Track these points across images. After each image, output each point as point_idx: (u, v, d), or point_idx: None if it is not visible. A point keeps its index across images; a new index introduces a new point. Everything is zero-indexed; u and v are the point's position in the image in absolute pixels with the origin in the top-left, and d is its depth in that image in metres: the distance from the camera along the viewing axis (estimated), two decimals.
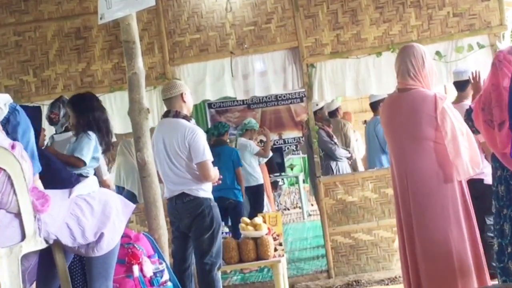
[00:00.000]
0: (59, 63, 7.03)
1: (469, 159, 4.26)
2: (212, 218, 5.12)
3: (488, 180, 5.31)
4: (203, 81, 7.02)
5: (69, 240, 3.27)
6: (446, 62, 6.75)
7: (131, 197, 7.63)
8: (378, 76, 6.83)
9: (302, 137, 12.52)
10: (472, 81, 5.52)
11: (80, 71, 7.03)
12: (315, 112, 7.29)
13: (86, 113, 5.08)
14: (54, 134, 5.73)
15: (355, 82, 6.92)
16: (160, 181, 5.22)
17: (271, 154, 9.32)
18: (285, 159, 12.52)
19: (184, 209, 5.13)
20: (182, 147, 5.08)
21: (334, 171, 8.05)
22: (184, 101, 5.21)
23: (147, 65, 6.67)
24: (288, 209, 13.44)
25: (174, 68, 7.00)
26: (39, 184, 3.29)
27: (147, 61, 6.75)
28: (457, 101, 5.83)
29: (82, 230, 3.29)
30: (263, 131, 9.68)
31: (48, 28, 7.04)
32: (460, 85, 5.83)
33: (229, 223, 7.71)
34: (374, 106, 7.97)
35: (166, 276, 4.07)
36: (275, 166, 11.68)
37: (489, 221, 5.34)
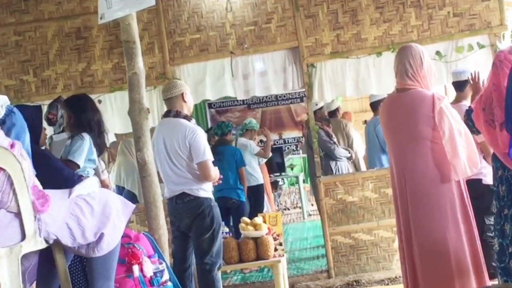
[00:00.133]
0: (59, 63, 7.03)
1: (467, 159, 4.26)
2: (212, 218, 5.12)
3: (487, 180, 5.32)
4: (203, 81, 7.02)
5: (69, 240, 3.27)
6: (446, 62, 6.75)
7: (131, 197, 7.63)
8: (378, 76, 6.83)
9: (302, 137, 12.52)
10: (471, 81, 5.52)
11: (80, 71, 7.04)
12: (314, 112, 7.29)
13: (78, 114, 5.08)
14: (53, 134, 5.73)
15: (355, 82, 6.92)
16: (161, 181, 5.23)
17: (270, 154, 9.32)
18: (285, 159, 12.52)
19: (184, 209, 5.13)
20: (182, 147, 5.08)
21: (334, 171, 8.05)
22: (185, 101, 5.21)
23: (147, 65, 6.67)
24: (288, 209, 13.44)
25: (174, 68, 7.00)
26: (38, 184, 3.29)
27: (147, 61, 6.74)
28: (456, 101, 5.82)
29: (82, 230, 3.29)
30: (263, 131, 9.68)
31: (48, 28, 7.04)
32: (459, 85, 5.83)
33: (231, 223, 7.71)
34: (374, 106, 7.97)
35: (166, 276, 4.07)
36: (275, 166, 11.68)
37: (489, 221, 5.34)
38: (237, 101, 13.21)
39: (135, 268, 3.89)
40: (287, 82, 7.04)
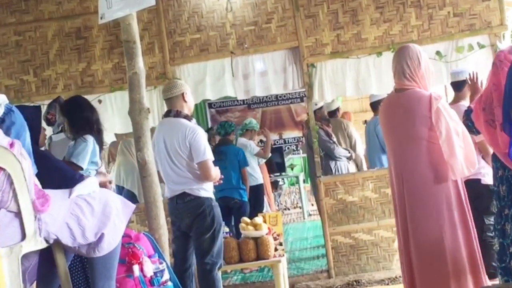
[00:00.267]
0: (60, 63, 7.03)
1: (464, 158, 4.26)
2: (213, 217, 5.11)
3: (486, 180, 5.32)
4: (204, 80, 7.03)
5: (69, 240, 3.27)
6: (446, 62, 6.75)
7: (131, 196, 7.63)
8: (379, 76, 6.83)
9: (302, 137, 12.53)
10: (469, 82, 5.52)
11: (80, 71, 7.04)
12: (314, 112, 7.29)
13: (76, 115, 5.06)
14: (52, 134, 5.73)
15: (355, 82, 6.93)
16: (161, 180, 5.23)
17: (270, 154, 9.31)
18: (286, 159, 12.52)
19: (185, 208, 5.13)
20: (183, 146, 5.08)
21: (333, 171, 8.05)
22: (185, 101, 5.21)
23: (147, 65, 6.67)
24: (289, 209, 13.44)
25: (174, 68, 7.00)
26: (38, 183, 3.28)
27: (147, 61, 6.75)
28: (455, 101, 5.83)
29: (82, 230, 3.29)
30: (263, 131, 9.68)
31: (48, 28, 7.04)
32: (457, 86, 5.83)
33: (233, 223, 7.71)
34: (375, 106, 7.97)
35: (166, 275, 4.07)
36: (275, 166, 11.69)
37: (488, 221, 5.34)
38: (237, 101, 13.21)
39: (136, 268, 3.90)
40: (287, 82, 7.04)
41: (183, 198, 5.13)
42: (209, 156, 5.10)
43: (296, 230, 10.95)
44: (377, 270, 6.80)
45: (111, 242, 3.40)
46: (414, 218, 4.31)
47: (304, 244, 9.46)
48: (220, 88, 7.08)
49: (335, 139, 8.27)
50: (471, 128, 4.75)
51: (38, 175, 3.28)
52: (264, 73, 7.07)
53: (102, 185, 4.45)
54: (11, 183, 2.98)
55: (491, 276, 5.32)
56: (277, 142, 14.08)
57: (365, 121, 9.97)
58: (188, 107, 5.24)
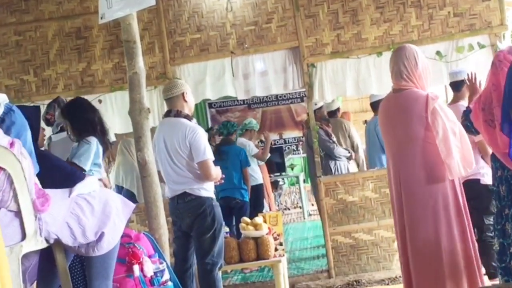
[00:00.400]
0: (60, 62, 7.03)
1: (461, 158, 4.27)
2: (213, 217, 5.11)
3: (485, 180, 5.32)
4: (204, 80, 7.02)
5: (70, 239, 3.27)
6: (446, 62, 6.75)
7: (130, 196, 7.63)
8: (379, 76, 6.82)
9: (302, 137, 12.52)
10: (468, 82, 5.53)
11: (80, 70, 7.04)
12: (314, 112, 7.28)
13: (78, 118, 5.04)
14: (51, 134, 5.73)
15: (355, 82, 6.92)
16: (161, 180, 5.23)
17: (269, 155, 9.28)
18: (286, 159, 12.51)
19: (185, 208, 5.12)
20: (183, 146, 5.07)
21: (333, 170, 8.05)
22: (186, 101, 5.20)
23: (147, 64, 6.67)
24: (289, 209, 13.44)
25: (174, 68, 7.00)
26: (38, 182, 3.28)
27: (147, 60, 6.75)
28: (454, 101, 5.83)
29: (83, 230, 3.29)
30: (264, 133, 9.63)
31: (48, 27, 7.04)
32: (456, 86, 5.83)
33: (233, 223, 7.70)
34: (375, 106, 7.96)
35: (166, 275, 4.07)
36: (275, 166, 11.68)
37: (488, 221, 5.34)
38: (238, 101, 13.20)
39: (136, 267, 3.90)
40: (287, 82, 7.04)
41: (184, 198, 5.13)
42: (209, 156, 5.10)
43: (296, 230, 10.95)
44: (377, 270, 6.80)
45: (111, 241, 3.40)
46: (411, 218, 4.32)
47: (304, 244, 9.46)
48: (220, 88, 7.08)
49: (335, 139, 8.27)
50: (470, 128, 4.75)
51: (38, 175, 3.28)
52: (264, 73, 7.07)
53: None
54: (11, 182, 2.99)
55: (491, 276, 5.33)
56: (277, 142, 14.08)
57: (365, 121, 9.97)
58: (189, 107, 5.24)
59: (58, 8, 7.04)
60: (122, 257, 3.83)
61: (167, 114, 5.25)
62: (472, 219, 5.53)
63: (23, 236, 3.07)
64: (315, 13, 6.88)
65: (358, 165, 8.56)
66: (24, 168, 3.04)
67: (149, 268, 3.97)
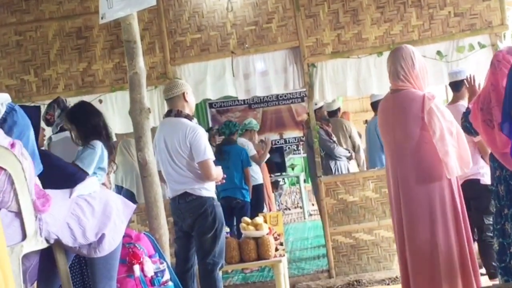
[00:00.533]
0: (60, 62, 7.03)
1: (458, 158, 4.27)
2: (214, 217, 5.10)
3: (485, 180, 5.33)
4: (204, 80, 7.02)
5: (70, 240, 3.27)
6: (447, 62, 6.75)
7: (130, 196, 7.63)
8: (379, 76, 6.82)
9: (303, 137, 12.52)
10: (467, 84, 5.54)
11: (81, 70, 7.04)
12: (314, 112, 7.28)
13: (83, 122, 5.03)
14: (52, 134, 5.72)
15: (356, 82, 6.92)
16: (162, 180, 5.23)
17: (268, 156, 9.23)
18: (286, 159, 12.51)
19: (186, 208, 5.12)
20: (183, 146, 5.07)
21: (333, 170, 8.05)
22: (186, 101, 5.20)
23: (148, 64, 6.68)
24: (289, 209, 13.44)
25: (175, 68, 7.00)
26: (39, 183, 3.28)
27: (148, 60, 6.75)
28: (453, 101, 5.83)
29: (83, 230, 3.29)
30: (264, 140, 9.47)
31: (49, 27, 7.04)
32: (456, 86, 5.83)
33: (234, 223, 7.70)
34: (375, 105, 7.95)
35: (167, 275, 4.07)
36: (276, 166, 11.68)
37: (488, 221, 5.34)
38: (238, 100, 13.20)
39: (136, 268, 3.90)
40: (288, 82, 7.04)
41: (185, 198, 5.12)
42: (210, 156, 5.10)
43: (297, 230, 10.95)
44: (377, 270, 6.80)
45: (112, 242, 3.40)
46: (409, 218, 4.34)
47: (305, 244, 9.47)
48: (220, 88, 7.08)
49: (335, 139, 8.27)
50: (469, 129, 4.75)
51: (39, 174, 3.28)
52: (265, 73, 7.07)
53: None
54: (12, 183, 2.99)
55: (492, 276, 5.33)
56: (278, 142, 14.08)
57: (366, 121, 9.97)
58: (189, 107, 5.24)
59: (59, 8, 7.04)
60: (123, 257, 3.83)
61: (168, 114, 5.25)
62: (472, 219, 5.56)
63: (24, 237, 3.07)
64: (316, 13, 6.88)
65: (358, 165, 8.56)
66: (25, 168, 3.04)
67: (150, 268, 3.97)
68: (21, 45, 7.05)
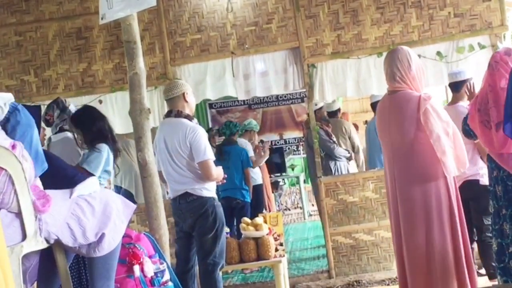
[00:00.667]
0: (60, 63, 7.03)
1: (455, 158, 4.28)
2: (215, 217, 5.10)
3: (484, 180, 5.34)
4: (204, 81, 7.02)
5: (70, 240, 3.27)
6: (447, 62, 6.75)
7: (129, 196, 7.61)
8: (379, 76, 6.80)
9: (303, 137, 12.52)
10: (467, 92, 5.57)
11: (81, 71, 7.04)
12: (314, 112, 7.28)
13: (89, 126, 5.04)
14: (51, 135, 5.73)
15: (356, 82, 6.93)
16: (163, 180, 5.23)
17: (266, 157, 9.20)
18: (286, 159, 12.51)
19: (187, 208, 5.12)
20: (183, 146, 5.07)
21: (333, 171, 8.05)
22: (186, 101, 5.20)
23: (148, 65, 6.68)
24: (289, 209, 13.44)
25: (175, 68, 7.00)
26: (39, 184, 3.29)
27: (148, 61, 6.75)
28: (453, 102, 5.84)
29: (83, 230, 3.29)
30: (264, 145, 9.41)
31: (49, 28, 7.04)
32: (455, 86, 5.84)
33: (234, 223, 7.70)
34: (375, 106, 7.94)
35: (167, 276, 4.07)
36: (276, 166, 11.67)
37: (487, 221, 5.34)
38: (238, 101, 13.20)
39: (136, 268, 3.90)
40: (288, 83, 7.04)
41: (186, 198, 5.12)
42: (210, 156, 5.10)
43: (297, 231, 10.95)
44: (377, 270, 6.80)
45: (111, 242, 3.40)
46: (405, 218, 4.35)
47: (305, 245, 9.47)
48: (220, 88, 7.08)
49: (335, 139, 8.27)
50: (469, 132, 4.76)
51: (42, 174, 3.28)
52: (265, 74, 7.07)
53: None
54: (13, 184, 2.99)
55: (492, 277, 5.33)
56: (278, 142, 14.08)
57: (366, 121, 9.97)
58: (190, 107, 5.24)
59: (59, 9, 7.05)
60: (123, 257, 3.84)
61: (168, 114, 5.25)
62: (472, 219, 5.56)
63: (24, 237, 3.07)
64: (316, 14, 6.88)
65: (358, 166, 8.56)
66: (25, 169, 3.04)
67: (150, 268, 3.97)
68: (21, 46, 7.06)
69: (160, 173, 5.14)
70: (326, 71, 6.93)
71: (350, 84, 6.92)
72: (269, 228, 5.71)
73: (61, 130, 5.45)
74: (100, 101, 6.97)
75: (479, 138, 4.46)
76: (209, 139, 7.05)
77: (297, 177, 12.76)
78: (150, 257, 4.05)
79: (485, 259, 5.54)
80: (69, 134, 5.37)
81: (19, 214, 3.04)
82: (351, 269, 6.85)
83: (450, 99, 6.40)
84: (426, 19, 6.78)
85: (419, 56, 6.62)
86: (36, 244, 3.15)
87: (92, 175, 4.78)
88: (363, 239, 6.83)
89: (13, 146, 3.03)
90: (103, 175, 4.96)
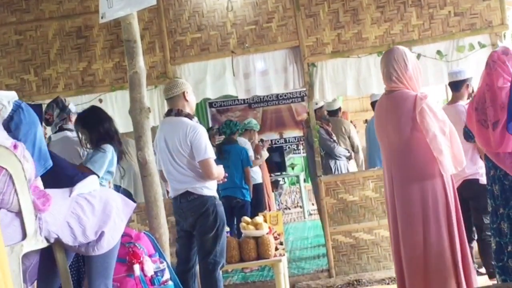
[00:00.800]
0: (60, 62, 7.03)
1: (452, 157, 4.28)
2: (216, 216, 5.10)
3: (484, 180, 5.33)
4: (204, 80, 7.02)
5: (70, 239, 3.27)
6: (447, 61, 6.75)
7: (127, 195, 7.60)
8: (379, 75, 6.65)
9: (303, 136, 12.52)
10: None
11: (81, 70, 7.04)
12: (314, 111, 7.28)
13: (96, 127, 5.04)
14: (51, 134, 5.73)
15: (356, 81, 6.92)
16: (163, 179, 5.23)
17: (266, 155, 9.20)
18: (286, 158, 12.51)
19: (188, 207, 5.11)
20: (184, 145, 5.07)
21: (333, 170, 8.05)
22: (187, 100, 5.19)
23: (148, 64, 6.68)
24: (289, 208, 13.45)
25: (175, 67, 7.00)
26: (40, 184, 3.29)
27: (148, 60, 6.75)
28: (452, 101, 5.84)
29: (83, 229, 3.29)
30: (263, 147, 9.40)
31: (49, 27, 7.04)
32: (455, 86, 5.84)
33: (235, 222, 7.70)
34: (375, 105, 7.96)
35: (167, 275, 4.08)
36: (276, 165, 11.67)
37: (487, 220, 5.35)
38: (238, 100, 13.21)
39: (136, 267, 3.90)
40: (288, 82, 7.04)
41: (187, 197, 5.11)
42: (211, 155, 5.09)
43: (297, 230, 10.95)
44: (377, 269, 6.80)
45: (111, 241, 3.40)
46: (402, 217, 4.35)
47: (305, 244, 9.47)
48: (220, 87, 7.08)
49: (335, 138, 8.27)
50: (468, 133, 4.75)
51: (44, 172, 3.29)
52: (265, 73, 7.07)
53: None
54: (13, 183, 2.99)
55: (491, 276, 5.33)
56: (278, 141, 14.08)
57: (366, 121, 9.96)
58: (190, 106, 5.23)
59: (59, 8, 7.05)
60: (123, 256, 3.84)
61: (168, 113, 5.25)
62: (472, 218, 5.57)
63: (24, 236, 3.07)
64: (316, 13, 6.88)
65: (357, 165, 8.56)
66: (26, 169, 3.04)
67: (150, 267, 3.97)
68: (21, 45, 7.05)
69: (160, 172, 5.15)
70: (326, 70, 6.92)
71: (350, 83, 6.92)
72: (269, 227, 5.71)
73: (61, 129, 5.45)
74: (100, 100, 6.97)
75: (476, 137, 4.46)
76: (210, 138, 7.06)
77: (297, 176, 12.76)
78: (150, 256, 4.06)
79: (485, 258, 5.54)
80: (69, 134, 5.36)
81: (19, 213, 3.04)
82: (351, 268, 6.85)
83: (450, 98, 6.41)
84: (426, 18, 6.77)
85: (419, 55, 6.66)
86: (36, 243, 3.15)
87: (95, 174, 4.79)
88: (363, 238, 6.83)
89: (15, 146, 3.03)
90: (105, 176, 4.96)
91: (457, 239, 4.27)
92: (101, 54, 7.02)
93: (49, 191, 3.24)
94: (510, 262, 4.29)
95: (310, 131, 7.35)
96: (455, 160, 4.30)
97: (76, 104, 6.29)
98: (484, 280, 5.50)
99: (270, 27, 6.94)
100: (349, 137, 8.56)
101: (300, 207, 12.76)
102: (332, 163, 8.12)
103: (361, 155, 8.69)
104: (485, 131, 4.22)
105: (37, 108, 4.47)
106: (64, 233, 3.24)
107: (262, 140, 10.44)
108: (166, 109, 5.45)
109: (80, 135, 5.12)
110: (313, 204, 12.18)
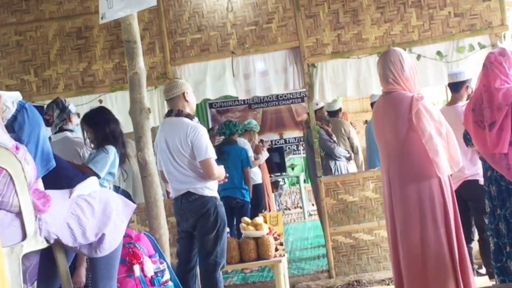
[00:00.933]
0: (60, 62, 7.04)
1: (448, 158, 4.28)
2: (216, 217, 5.09)
3: (483, 181, 5.34)
4: (204, 80, 7.03)
5: (70, 240, 3.27)
6: (447, 62, 6.76)
7: (127, 196, 7.59)
8: None
9: (303, 137, 12.51)
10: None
11: (81, 70, 7.04)
12: (314, 112, 7.29)
13: (102, 127, 5.04)
14: (51, 135, 5.72)
15: (356, 82, 6.93)
16: (164, 180, 5.22)
17: (266, 155, 9.20)
18: (286, 159, 12.51)
19: (189, 208, 5.11)
20: (184, 145, 5.06)
21: (333, 170, 8.05)
22: (187, 100, 5.19)
23: (148, 65, 6.68)
24: (289, 209, 13.44)
25: (175, 68, 7.00)
26: (41, 186, 3.29)
27: (148, 61, 6.75)
28: (452, 102, 5.83)
29: (83, 230, 3.29)
30: (262, 148, 9.40)
31: (49, 27, 7.05)
32: (455, 87, 5.83)
33: (234, 223, 7.70)
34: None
35: (167, 275, 4.08)
36: (276, 166, 11.67)
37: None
38: (238, 101, 13.21)
39: (136, 267, 3.91)
40: (288, 82, 7.05)
41: (188, 197, 5.11)
42: (212, 155, 5.09)
43: (297, 230, 10.95)
44: (377, 270, 6.80)
45: (112, 242, 3.40)
46: (400, 218, 4.35)
47: (305, 244, 9.47)
48: (220, 88, 7.08)
49: (335, 139, 8.28)
50: (467, 135, 4.75)
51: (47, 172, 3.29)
52: (265, 73, 7.07)
53: None
54: (13, 184, 2.99)
55: (492, 276, 5.33)
56: (278, 142, 14.08)
57: (366, 121, 9.97)
58: (190, 107, 5.23)
59: (59, 8, 7.05)
60: (123, 257, 3.84)
61: (169, 114, 5.25)
62: (471, 219, 5.57)
63: (24, 236, 3.07)
64: (316, 13, 6.88)
65: (357, 167, 8.56)
66: (26, 171, 3.04)
67: (150, 268, 3.97)
68: (21, 45, 7.06)
69: (161, 173, 5.14)
70: (326, 71, 6.93)
71: (350, 83, 6.92)
72: (269, 228, 5.71)
73: (61, 130, 5.44)
74: (100, 101, 6.97)
75: (472, 138, 4.46)
76: (210, 139, 7.06)
77: (297, 177, 12.76)
78: (150, 256, 4.06)
79: (485, 258, 5.54)
80: (69, 134, 5.36)
81: (19, 214, 3.04)
82: (351, 269, 6.85)
83: (449, 99, 6.41)
84: (426, 18, 6.78)
85: (419, 55, 6.67)
86: (36, 243, 3.15)
87: (96, 175, 4.79)
88: (363, 239, 6.84)
89: (17, 148, 3.03)
90: (107, 177, 4.96)
91: (455, 239, 4.27)
92: (101, 54, 7.03)
93: (49, 192, 3.24)
94: (508, 262, 4.30)
95: (310, 131, 7.36)
96: (452, 160, 4.30)
97: (76, 104, 6.29)
98: (484, 280, 5.51)
99: (270, 27, 6.95)
100: (348, 138, 8.56)
101: (300, 207, 12.76)
102: (332, 163, 8.12)
103: (361, 156, 8.69)
104: (482, 132, 4.23)
105: (38, 109, 4.46)
106: (64, 234, 3.24)
107: (262, 141, 10.44)
108: (166, 109, 5.46)
109: (85, 134, 5.12)
110: (313, 205, 12.17)
